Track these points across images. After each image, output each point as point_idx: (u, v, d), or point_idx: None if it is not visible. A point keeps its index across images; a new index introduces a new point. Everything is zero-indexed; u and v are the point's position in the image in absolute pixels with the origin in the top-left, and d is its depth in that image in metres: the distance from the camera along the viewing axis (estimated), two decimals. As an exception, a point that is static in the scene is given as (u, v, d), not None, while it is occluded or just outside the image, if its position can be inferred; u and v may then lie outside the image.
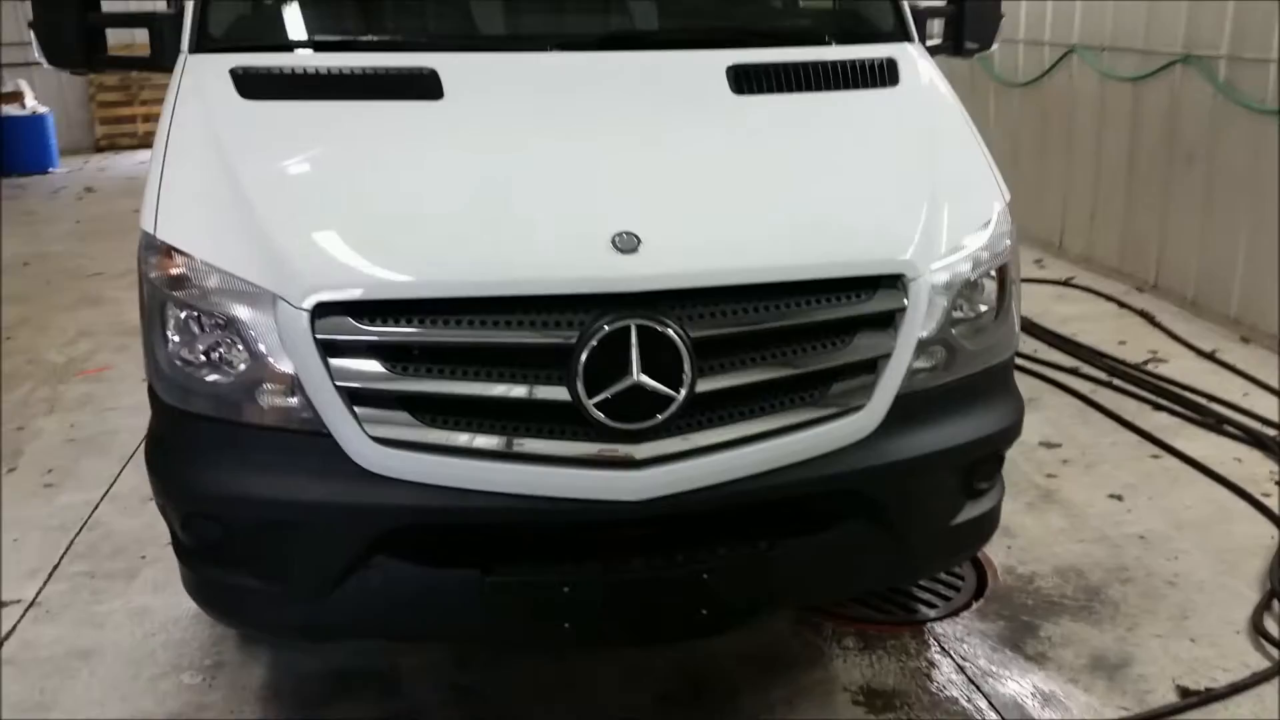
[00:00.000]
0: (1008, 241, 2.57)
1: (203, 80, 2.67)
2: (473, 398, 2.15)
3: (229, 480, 2.24)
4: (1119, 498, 3.86)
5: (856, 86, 2.80)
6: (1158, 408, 4.61)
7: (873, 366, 2.31)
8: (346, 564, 2.22)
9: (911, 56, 3.02)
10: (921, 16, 3.35)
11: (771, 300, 2.22)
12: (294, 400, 2.19)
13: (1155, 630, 3.08)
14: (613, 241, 2.15)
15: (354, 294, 2.12)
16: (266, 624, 2.46)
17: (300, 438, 2.20)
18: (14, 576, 3.42)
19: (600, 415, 2.10)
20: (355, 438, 2.16)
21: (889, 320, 2.31)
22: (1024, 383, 4.88)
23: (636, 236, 2.16)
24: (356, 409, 2.15)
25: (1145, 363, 5.11)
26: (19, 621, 3.20)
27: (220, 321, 2.22)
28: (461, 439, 2.16)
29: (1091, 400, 4.68)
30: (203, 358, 2.24)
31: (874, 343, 2.30)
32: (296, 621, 2.39)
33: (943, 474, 2.48)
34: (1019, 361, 5.06)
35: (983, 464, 2.56)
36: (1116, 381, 4.90)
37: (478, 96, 2.60)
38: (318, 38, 2.90)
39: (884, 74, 2.84)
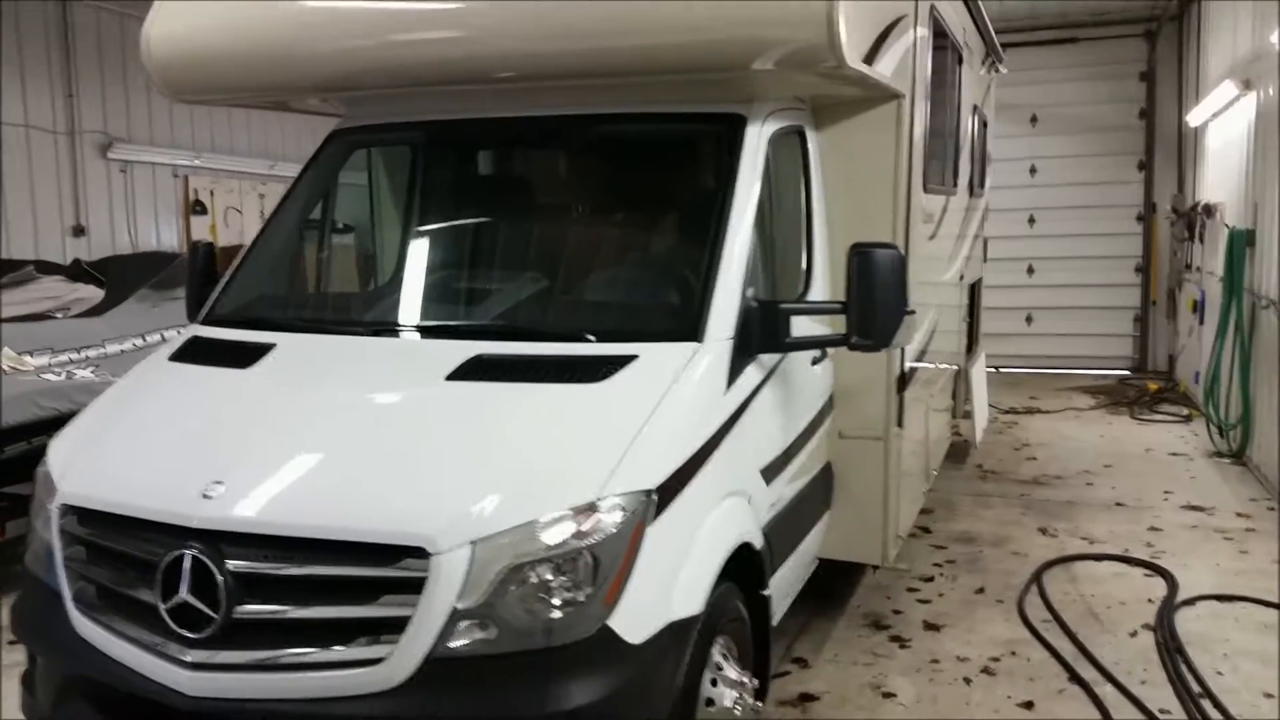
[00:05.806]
0: (608, 531, 2.66)
1: (174, 342, 3.81)
2: (120, 592, 2.88)
3: (31, 619, 3.20)
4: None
5: (564, 380, 3.08)
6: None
7: (400, 625, 2.58)
8: (56, 693, 3.05)
9: (661, 357, 3.15)
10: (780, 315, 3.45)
11: (312, 553, 2.65)
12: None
13: None
14: (204, 487, 2.78)
15: (69, 500, 3.02)
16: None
17: (53, 595, 3.07)
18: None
19: (170, 621, 2.71)
20: (69, 603, 3.00)
21: (414, 586, 2.58)
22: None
23: (221, 485, 2.77)
24: (70, 584, 3.00)
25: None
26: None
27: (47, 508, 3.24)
28: (111, 619, 2.89)
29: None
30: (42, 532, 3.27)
31: (397, 604, 2.58)
32: None
33: None
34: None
35: None
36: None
37: (268, 368, 3.37)
38: (260, 316, 3.84)
39: (596, 370, 3.07)
